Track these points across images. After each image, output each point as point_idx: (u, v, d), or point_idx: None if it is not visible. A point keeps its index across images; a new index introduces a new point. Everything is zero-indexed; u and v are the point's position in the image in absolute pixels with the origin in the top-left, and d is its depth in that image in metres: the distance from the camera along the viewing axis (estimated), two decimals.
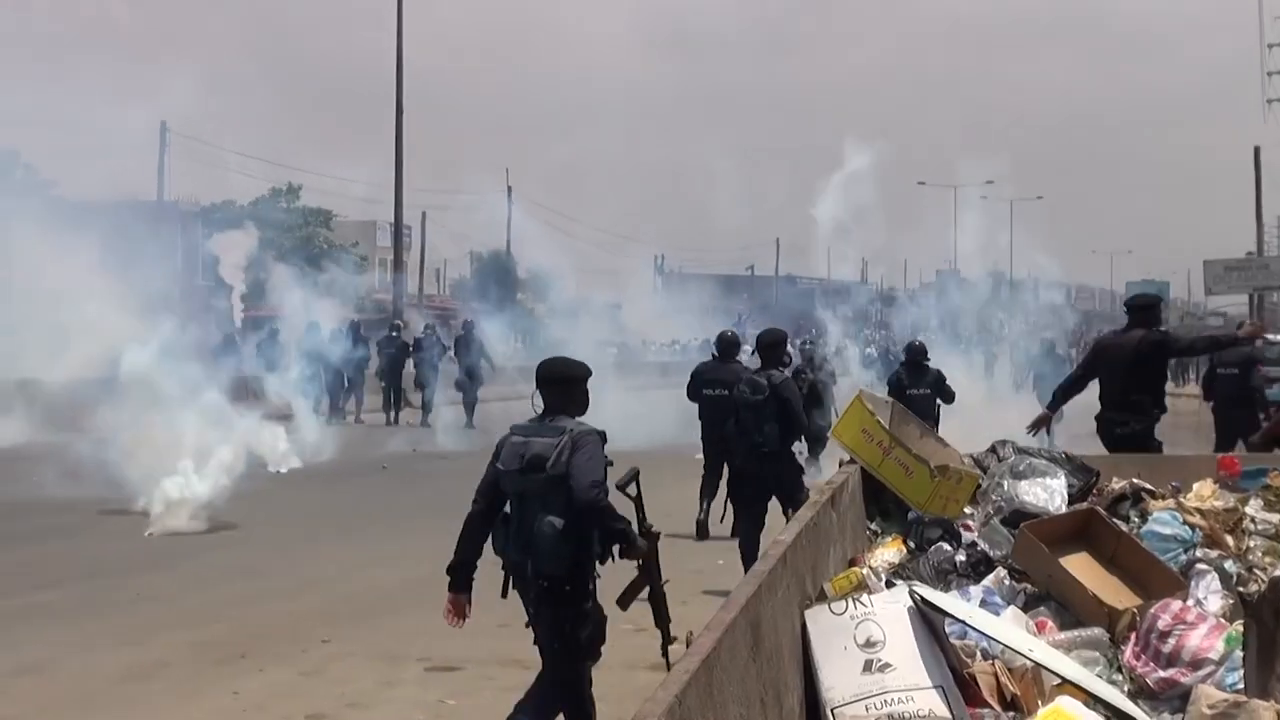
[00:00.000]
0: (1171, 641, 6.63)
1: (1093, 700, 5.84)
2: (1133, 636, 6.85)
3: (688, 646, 4.99)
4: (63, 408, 28.46)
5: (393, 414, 40.06)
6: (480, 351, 40.05)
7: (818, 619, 6.36)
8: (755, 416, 14.74)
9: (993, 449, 9.78)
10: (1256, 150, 32.67)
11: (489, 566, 15.81)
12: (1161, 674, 6.54)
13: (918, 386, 20.92)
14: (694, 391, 19.30)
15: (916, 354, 22.56)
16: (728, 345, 19.92)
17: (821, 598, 6.78)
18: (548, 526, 9.15)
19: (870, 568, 7.62)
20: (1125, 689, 6.42)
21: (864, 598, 6.48)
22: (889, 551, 8.17)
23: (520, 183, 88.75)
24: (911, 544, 8.43)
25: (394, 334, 42.10)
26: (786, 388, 14.72)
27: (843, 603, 6.42)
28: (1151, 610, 6.86)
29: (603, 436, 8.83)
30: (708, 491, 18.85)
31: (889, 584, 7.19)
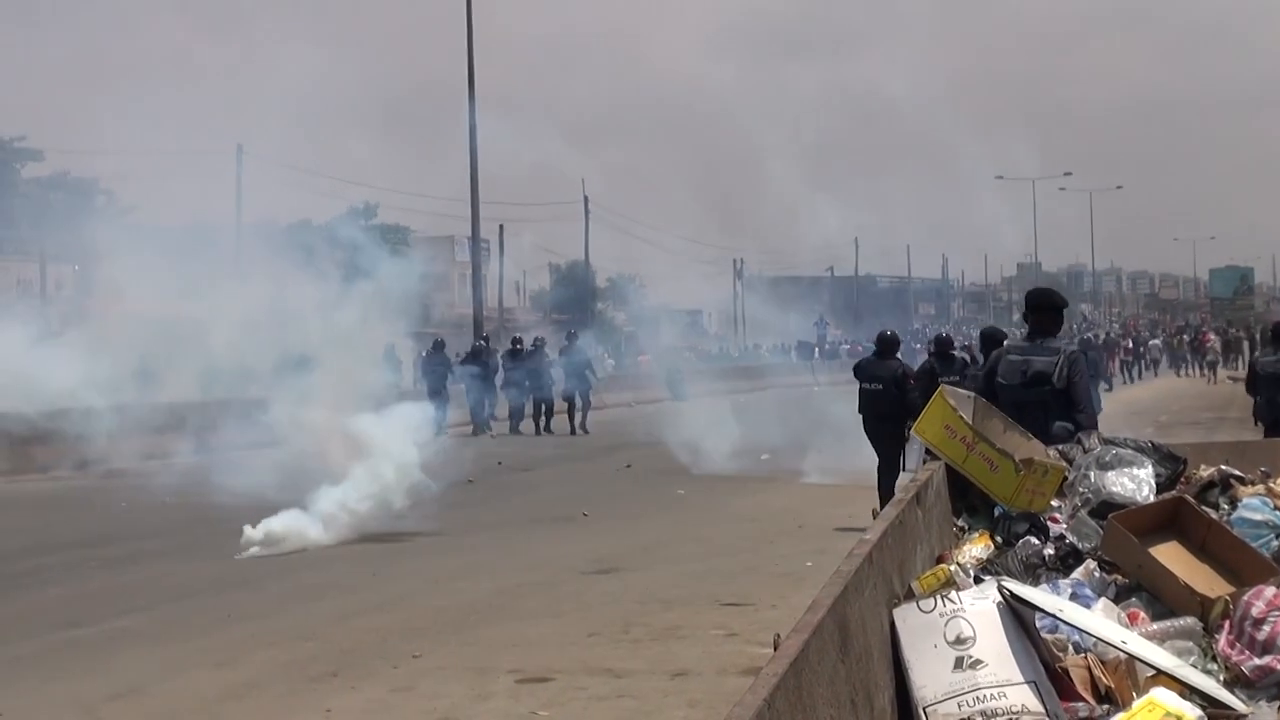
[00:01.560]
0: (1266, 629, 6.56)
1: (1188, 690, 5.78)
2: (1226, 625, 6.78)
3: (775, 650, 4.96)
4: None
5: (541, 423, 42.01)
6: (586, 361, 41.15)
7: (906, 617, 6.31)
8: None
9: (1078, 440, 9.70)
10: None
11: (573, 579, 15.89)
12: (1257, 661, 6.47)
13: (947, 375, 21.25)
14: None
15: (945, 345, 23.28)
16: (887, 343, 21.51)
17: (909, 596, 6.74)
18: (1061, 430, 11.04)
19: (958, 564, 7.57)
20: (1220, 678, 6.35)
21: (952, 594, 6.43)
22: (976, 547, 8.12)
23: (596, 193, 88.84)
24: (999, 539, 8.36)
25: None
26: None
27: (931, 600, 6.38)
28: (1245, 598, 6.79)
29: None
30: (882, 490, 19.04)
31: (977, 580, 7.14)
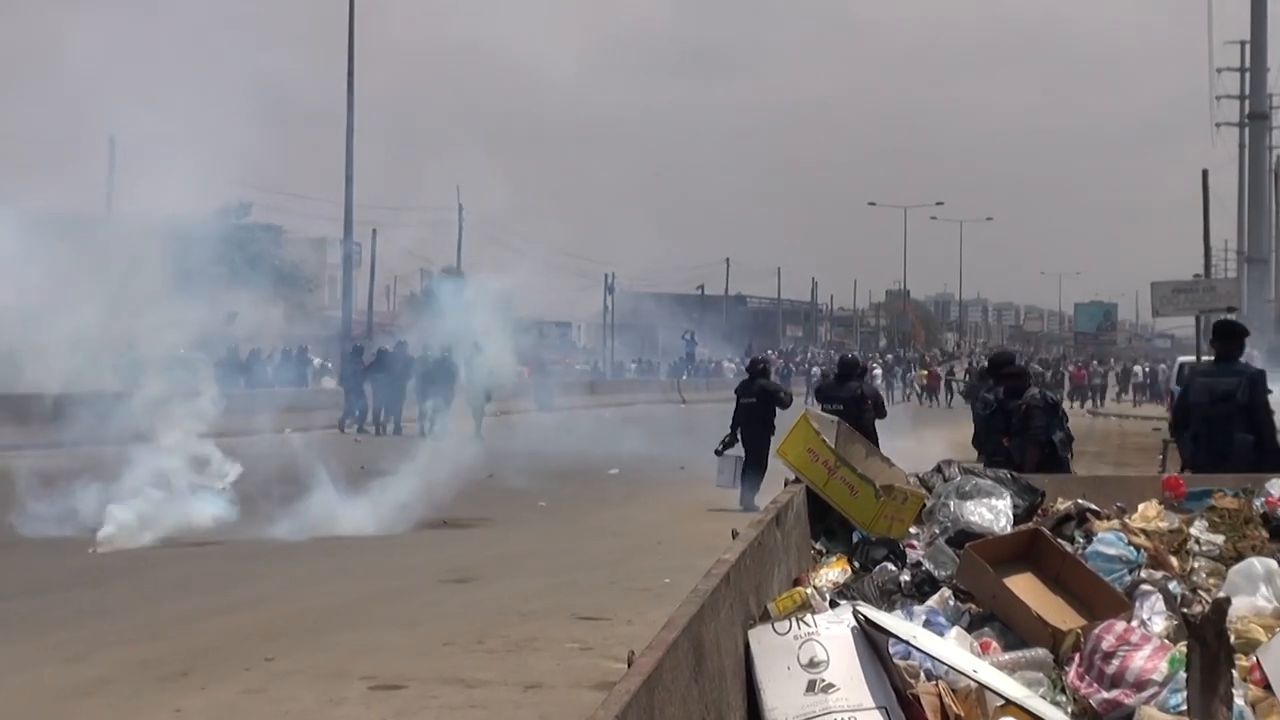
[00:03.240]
0: (1115, 663, 6.63)
1: None
2: (1077, 657, 6.84)
3: (629, 666, 4.96)
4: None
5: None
6: (486, 368, 41.49)
7: (761, 639, 6.33)
8: (984, 430, 16.91)
9: (938, 469, 9.78)
10: (1204, 173, 32.71)
11: (431, 588, 15.82)
12: (1105, 695, 6.53)
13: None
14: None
15: (848, 367, 23.59)
16: (848, 366, 22.85)
17: (765, 617, 6.75)
18: (1243, 441, 13.12)
19: (815, 587, 7.60)
20: (1069, 710, 6.41)
21: (808, 618, 6.46)
22: (833, 571, 8.16)
23: (470, 201, 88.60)
24: (856, 564, 8.41)
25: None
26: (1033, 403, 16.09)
27: (786, 622, 6.40)
28: (1096, 631, 6.86)
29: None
30: None
31: (833, 604, 7.17)
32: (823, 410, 20.52)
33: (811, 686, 6.10)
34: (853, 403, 20.96)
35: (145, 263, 25.85)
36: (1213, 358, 14.48)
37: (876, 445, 18.29)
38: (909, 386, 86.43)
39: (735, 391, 25.48)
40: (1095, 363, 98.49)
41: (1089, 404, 78.35)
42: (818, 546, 8.85)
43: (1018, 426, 15.91)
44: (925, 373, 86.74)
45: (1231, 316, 24.05)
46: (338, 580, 16.98)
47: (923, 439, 31.85)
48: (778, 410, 24.19)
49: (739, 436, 24.28)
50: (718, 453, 24.38)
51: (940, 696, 6.25)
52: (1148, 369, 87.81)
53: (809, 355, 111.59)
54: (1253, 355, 45.50)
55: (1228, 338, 14.42)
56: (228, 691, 11.59)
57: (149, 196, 30.59)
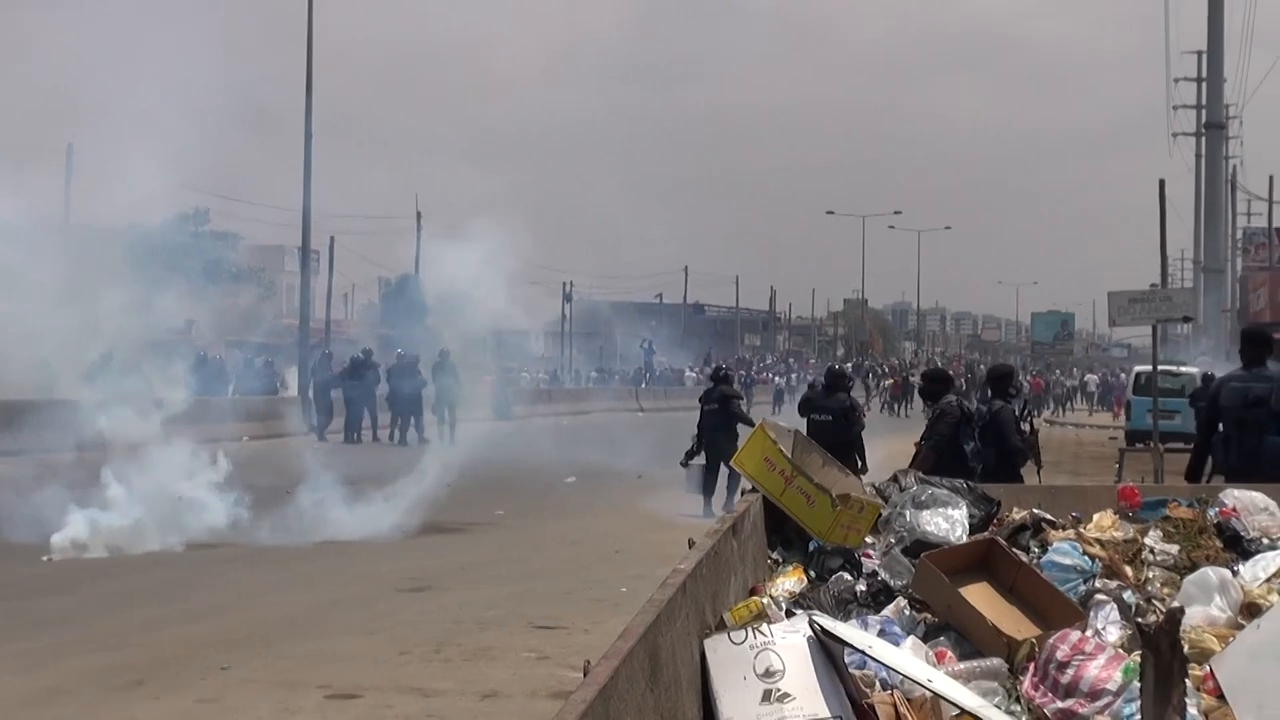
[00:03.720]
0: (1070, 672, 6.65)
1: None
2: (1031, 667, 6.86)
3: (585, 676, 4.96)
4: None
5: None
6: (455, 376, 41.84)
7: (717, 648, 6.33)
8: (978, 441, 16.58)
9: (895, 478, 9.79)
10: (1161, 183, 32.90)
11: (389, 596, 15.80)
12: (1059, 704, 6.56)
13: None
14: (804, 416, 22.04)
15: (835, 378, 23.98)
16: (835, 377, 23.43)
17: (721, 627, 6.76)
18: (1274, 444, 13.49)
19: (771, 597, 7.61)
20: (1023, 719, 6.43)
21: (764, 627, 6.46)
22: (790, 581, 8.16)
23: (430, 208, 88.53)
24: (812, 573, 8.42)
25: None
26: (1003, 415, 16.26)
27: (742, 632, 6.40)
28: (1050, 640, 6.88)
29: None
30: None
31: (789, 613, 7.18)
32: (810, 421, 20.98)
33: (767, 696, 6.11)
34: (841, 414, 21.41)
35: (103, 270, 25.79)
36: (1241, 364, 14.64)
37: (863, 456, 18.69)
38: (881, 395, 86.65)
39: (700, 400, 25.71)
40: (1058, 372, 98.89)
41: (1046, 413, 78.59)
42: (774, 556, 8.85)
43: (926, 431, 16.34)
44: (893, 381, 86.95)
45: (1188, 326, 24.33)
46: (295, 589, 16.95)
47: (891, 448, 31.91)
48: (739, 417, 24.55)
49: (703, 444, 24.47)
50: (683, 464, 24.58)
51: (895, 706, 6.26)
52: (1103, 378, 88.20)
53: (768, 363, 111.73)
54: (1208, 363, 45.79)
55: (1257, 345, 14.77)
56: (183, 701, 11.57)
57: (107, 204, 30.43)
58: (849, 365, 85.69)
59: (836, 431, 20.83)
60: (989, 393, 16.67)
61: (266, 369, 52.73)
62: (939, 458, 15.64)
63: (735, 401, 25.31)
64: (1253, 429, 14.01)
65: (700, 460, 24.55)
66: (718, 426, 24.74)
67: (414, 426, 42.54)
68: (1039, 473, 17.86)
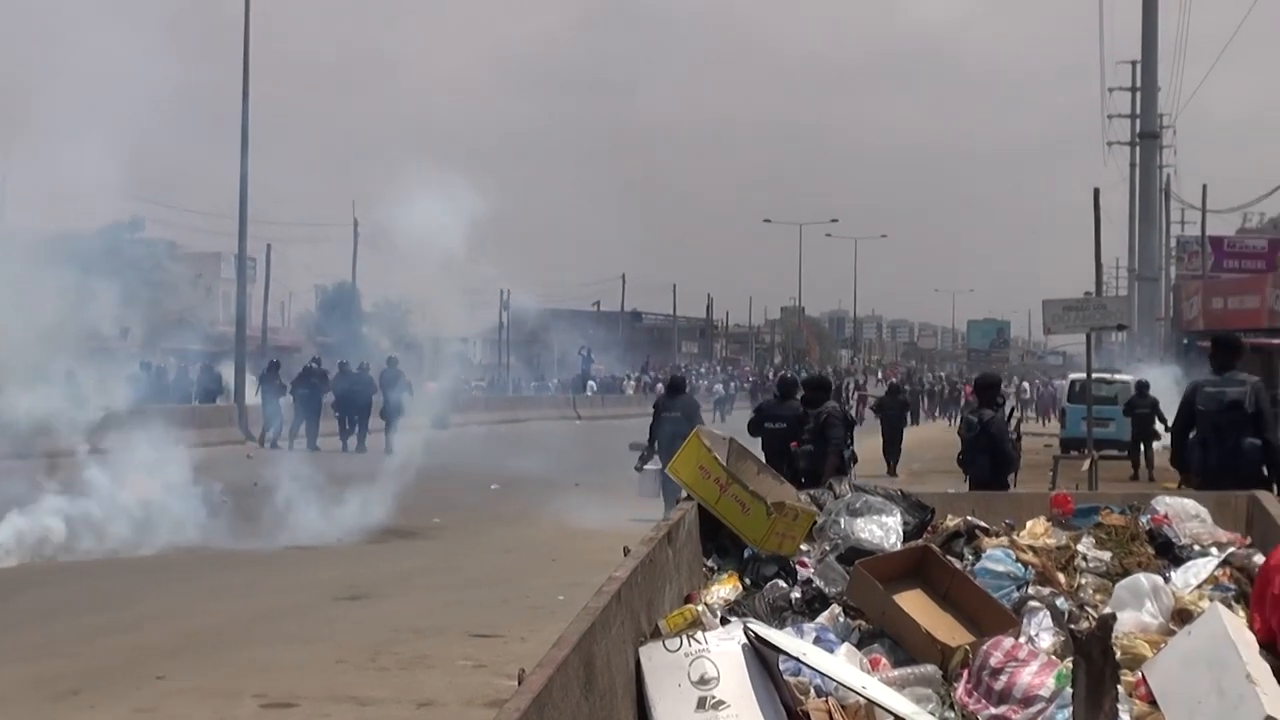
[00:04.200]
0: (1003, 679, 6.68)
1: None
2: (965, 674, 6.89)
3: (519, 684, 4.97)
4: None
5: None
6: (404, 385, 42.04)
7: (652, 656, 6.34)
8: (969, 450, 17.43)
9: (829, 486, 9.82)
10: (1096, 192, 33.00)
11: (325, 605, 15.75)
12: (993, 711, 6.59)
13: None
14: (755, 426, 22.04)
15: (788, 386, 24.20)
16: (788, 385, 23.66)
17: (656, 635, 6.77)
18: (1251, 446, 14.18)
19: (706, 604, 7.62)
20: None
21: (699, 635, 6.48)
22: (725, 588, 8.17)
23: (368, 216, 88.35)
24: (748, 581, 8.43)
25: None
26: (995, 425, 17.12)
27: (677, 640, 6.42)
28: (984, 647, 6.91)
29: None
30: None
31: (724, 621, 7.20)
32: (766, 428, 21.30)
33: (702, 704, 6.12)
34: (794, 420, 21.32)
35: (35, 279, 25.64)
36: (1213, 369, 15.33)
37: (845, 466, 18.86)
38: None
39: (655, 405, 26.17)
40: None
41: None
42: (709, 563, 8.86)
43: (813, 435, 16.63)
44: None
45: (1122, 334, 24.73)
46: (231, 597, 16.87)
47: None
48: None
49: (656, 449, 24.55)
50: (638, 469, 24.73)
51: (830, 713, 6.29)
52: (1034, 386, 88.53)
53: (704, 371, 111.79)
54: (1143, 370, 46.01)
55: (1229, 350, 15.49)
56: (119, 710, 11.52)
57: (39, 212, 30.22)
58: (829, 371, 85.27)
59: (790, 437, 20.89)
60: (977, 403, 17.32)
61: (206, 374, 52.35)
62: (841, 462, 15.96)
63: (699, 410, 25.62)
64: (1229, 432, 14.57)
65: (656, 465, 24.68)
66: (680, 435, 24.97)
67: (357, 434, 42.50)
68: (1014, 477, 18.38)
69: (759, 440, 21.17)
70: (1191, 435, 15.38)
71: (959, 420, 18.19)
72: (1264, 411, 14.75)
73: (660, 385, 79.50)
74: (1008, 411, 20.40)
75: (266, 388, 44.77)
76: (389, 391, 43.16)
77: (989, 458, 16.80)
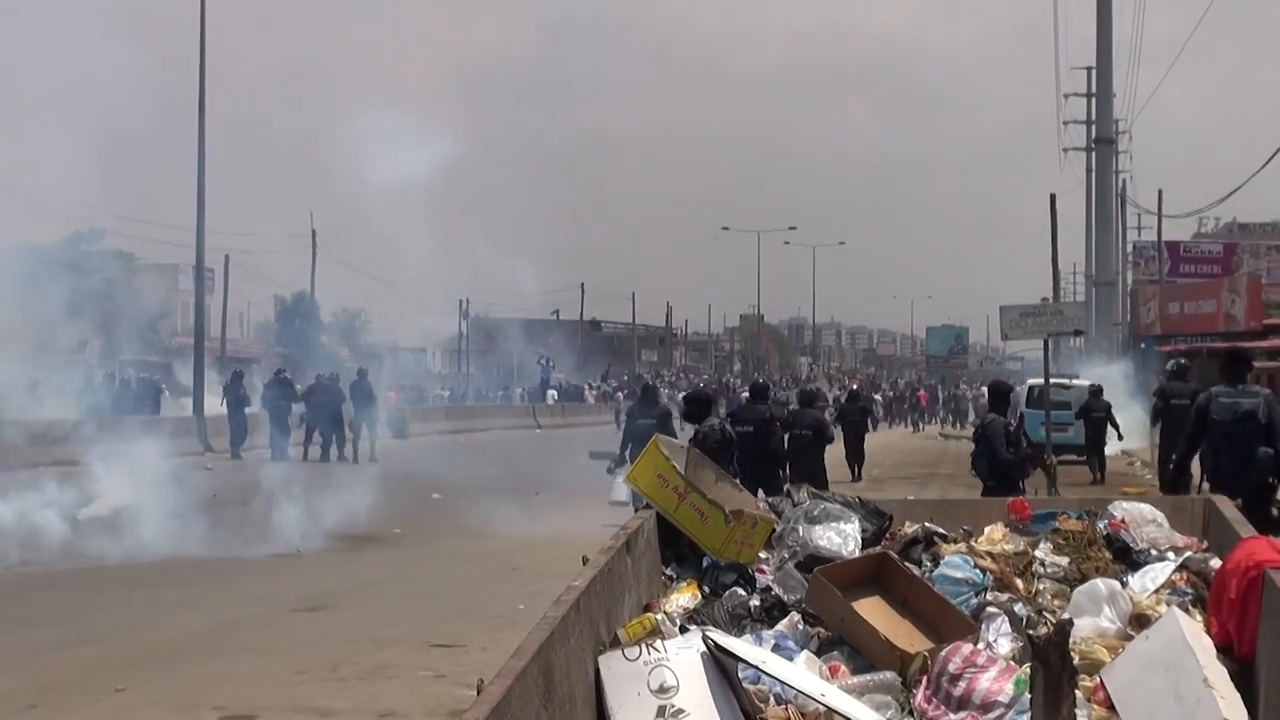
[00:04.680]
0: (962, 684, 6.71)
1: None
2: (924, 680, 6.92)
3: (479, 694, 4.97)
4: None
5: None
6: (372, 396, 42.44)
7: (611, 665, 6.35)
8: (973, 455, 18.41)
9: (787, 493, 9.84)
10: (1052, 197, 33.15)
11: (285, 616, 15.70)
12: (952, 717, 6.62)
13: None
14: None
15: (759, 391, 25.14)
16: (759, 389, 24.53)
17: (616, 644, 6.78)
18: (1265, 455, 14.69)
19: (665, 613, 7.63)
20: None
21: (658, 644, 6.49)
22: (684, 597, 8.19)
23: (324, 226, 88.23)
24: (707, 589, 8.45)
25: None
26: (991, 428, 17.79)
27: (637, 649, 6.43)
28: (943, 654, 6.94)
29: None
30: None
31: (683, 629, 7.21)
32: (736, 431, 21.75)
33: (661, 712, 6.13)
34: (761, 424, 22.19)
35: None
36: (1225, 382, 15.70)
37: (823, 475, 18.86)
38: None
39: (628, 413, 26.53)
40: (962, 386, 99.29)
41: (944, 427, 79.06)
42: (668, 572, 8.87)
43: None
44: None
45: (1080, 340, 25.11)
46: (191, 609, 16.81)
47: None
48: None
49: (627, 457, 24.65)
50: (610, 470, 24.89)
51: None
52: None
53: (665, 378, 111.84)
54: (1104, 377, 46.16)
55: (1240, 363, 16.23)
56: None
57: None
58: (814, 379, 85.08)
59: (757, 440, 21.59)
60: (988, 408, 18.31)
61: (144, 387, 51.93)
62: None
63: (671, 418, 25.89)
64: (1243, 440, 15.06)
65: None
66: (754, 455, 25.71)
67: (335, 444, 42.43)
68: (1052, 487, 19.02)
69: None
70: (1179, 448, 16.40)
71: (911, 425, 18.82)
72: (1276, 422, 15.29)
73: (620, 394, 79.93)
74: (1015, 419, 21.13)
75: (232, 398, 44.56)
76: (361, 402, 43.35)
77: (985, 461, 17.41)
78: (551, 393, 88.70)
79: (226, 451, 42.47)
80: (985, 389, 24.17)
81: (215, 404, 45.73)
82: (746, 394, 24.77)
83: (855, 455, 38.03)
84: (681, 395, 21.45)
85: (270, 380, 45.45)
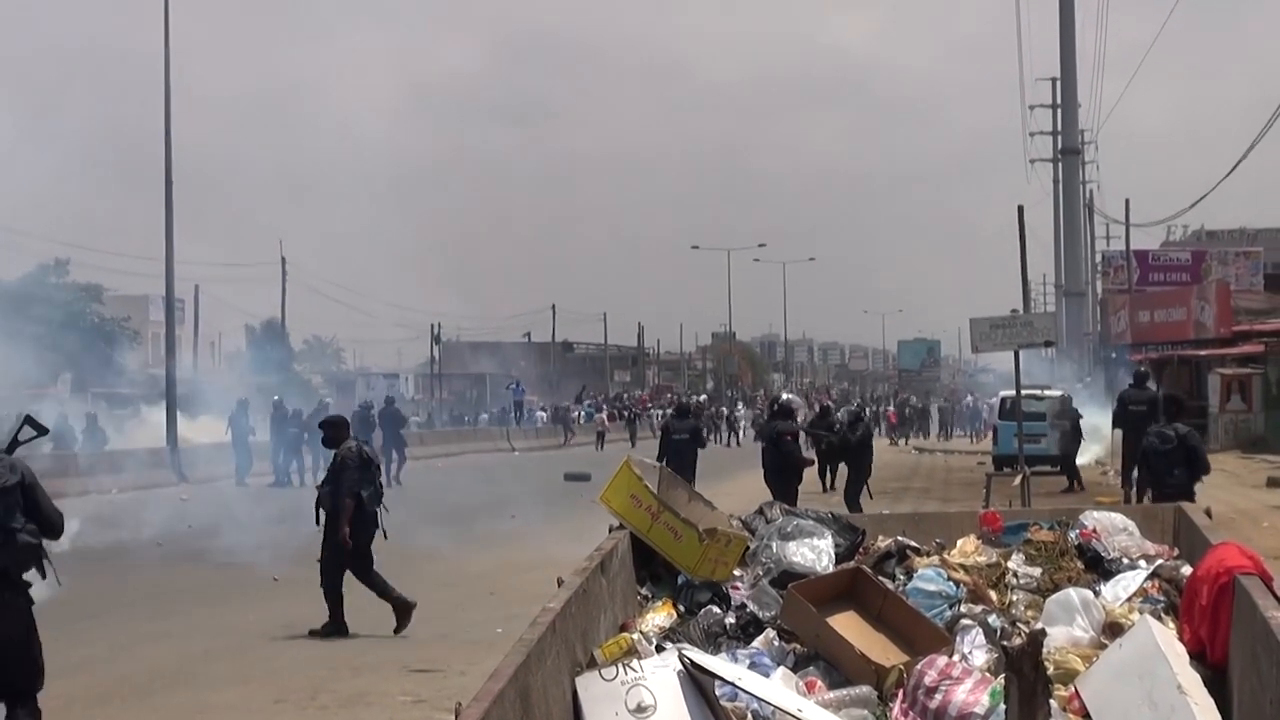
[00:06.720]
0: (938, 697, 6.74)
1: None
2: (900, 693, 6.95)
3: (455, 718, 4.99)
4: None
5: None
6: (400, 422, 43.53)
7: (588, 685, 6.38)
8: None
9: (760, 511, 9.87)
10: (1020, 209, 33.22)
11: (262, 645, 15.69)
12: None
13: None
14: (664, 435, 27.94)
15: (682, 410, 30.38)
16: (682, 409, 30.06)
17: (592, 664, 6.80)
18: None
19: (641, 632, 7.66)
20: None
21: (634, 663, 6.52)
22: (659, 616, 8.21)
23: (294, 253, 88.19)
24: (682, 608, 8.47)
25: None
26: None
27: (613, 668, 6.45)
28: (918, 666, 6.97)
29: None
30: None
31: (659, 648, 7.23)
32: (670, 441, 23.84)
33: None
34: (692, 433, 26.81)
35: None
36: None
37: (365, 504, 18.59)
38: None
39: (664, 428, 30.18)
40: (943, 399, 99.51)
41: (914, 439, 79.14)
42: (643, 592, 8.90)
43: (330, 476, 16.92)
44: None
45: (1051, 350, 25.67)
46: (168, 640, 16.77)
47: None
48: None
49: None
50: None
51: None
52: (968, 403, 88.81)
53: (635, 398, 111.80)
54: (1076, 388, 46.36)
55: (1177, 404, 18.05)
56: None
57: None
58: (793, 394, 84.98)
59: (691, 447, 26.78)
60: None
61: (91, 424, 50.71)
62: (358, 504, 16.34)
63: (703, 433, 30.95)
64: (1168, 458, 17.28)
65: None
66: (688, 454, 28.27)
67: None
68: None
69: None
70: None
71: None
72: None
73: (599, 416, 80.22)
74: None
75: (237, 428, 44.38)
76: (390, 427, 44.72)
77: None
78: (540, 415, 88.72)
79: (204, 482, 42.36)
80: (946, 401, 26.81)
81: (220, 432, 45.44)
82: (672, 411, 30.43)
83: (832, 474, 36.30)
84: (318, 421, 21.09)
85: (273, 412, 45.40)
